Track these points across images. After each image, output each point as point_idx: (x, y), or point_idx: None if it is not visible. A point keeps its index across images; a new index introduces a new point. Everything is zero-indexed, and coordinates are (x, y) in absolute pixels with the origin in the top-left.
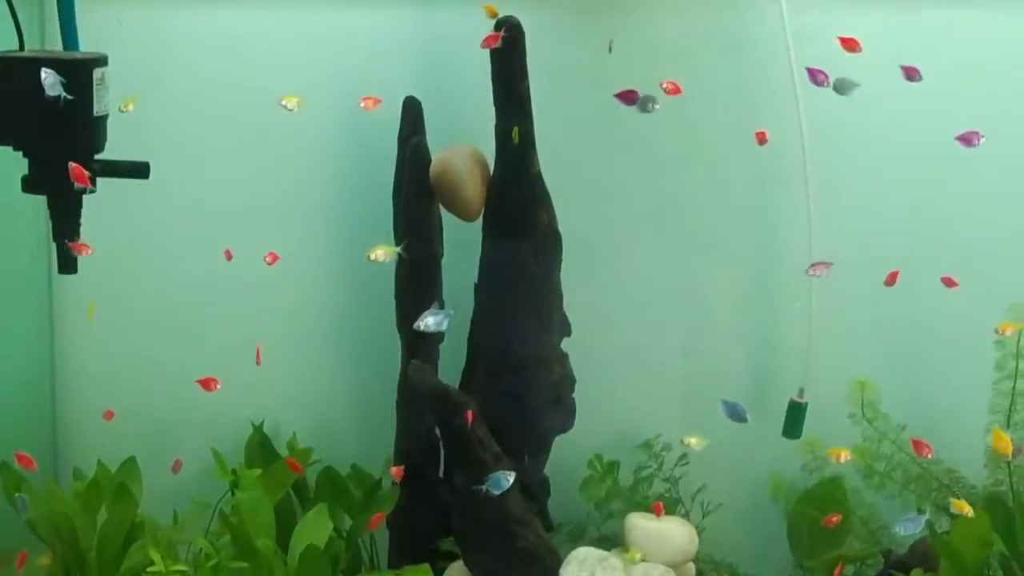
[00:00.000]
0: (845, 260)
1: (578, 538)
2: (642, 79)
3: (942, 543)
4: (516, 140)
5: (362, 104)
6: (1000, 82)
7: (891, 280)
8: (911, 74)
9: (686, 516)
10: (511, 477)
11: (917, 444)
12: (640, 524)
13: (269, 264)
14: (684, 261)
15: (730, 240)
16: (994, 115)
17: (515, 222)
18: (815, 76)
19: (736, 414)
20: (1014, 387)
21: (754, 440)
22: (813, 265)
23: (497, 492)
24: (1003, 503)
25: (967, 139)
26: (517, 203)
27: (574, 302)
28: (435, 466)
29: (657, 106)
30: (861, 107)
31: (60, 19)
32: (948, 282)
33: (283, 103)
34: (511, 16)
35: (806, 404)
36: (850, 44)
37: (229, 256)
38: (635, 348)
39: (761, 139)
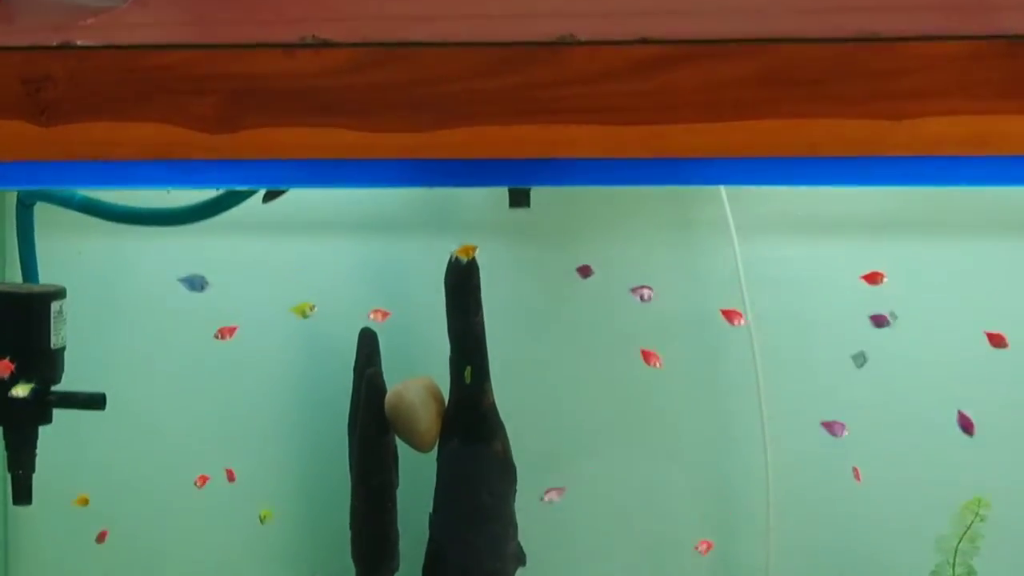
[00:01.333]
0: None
1: None
2: (603, 309)
3: None
4: (468, 380)
5: (372, 316)
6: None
7: None
8: (879, 322)
9: None
10: None
11: None
12: None
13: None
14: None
15: (687, 446)
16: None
17: (469, 455)
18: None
19: None
20: None
21: None
22: None
23: None
24: None
25: (878, 321)
26: (470, 436)
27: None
28: None
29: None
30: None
31: (20, 251)
32: None
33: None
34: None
35: None
36: (873, 278)
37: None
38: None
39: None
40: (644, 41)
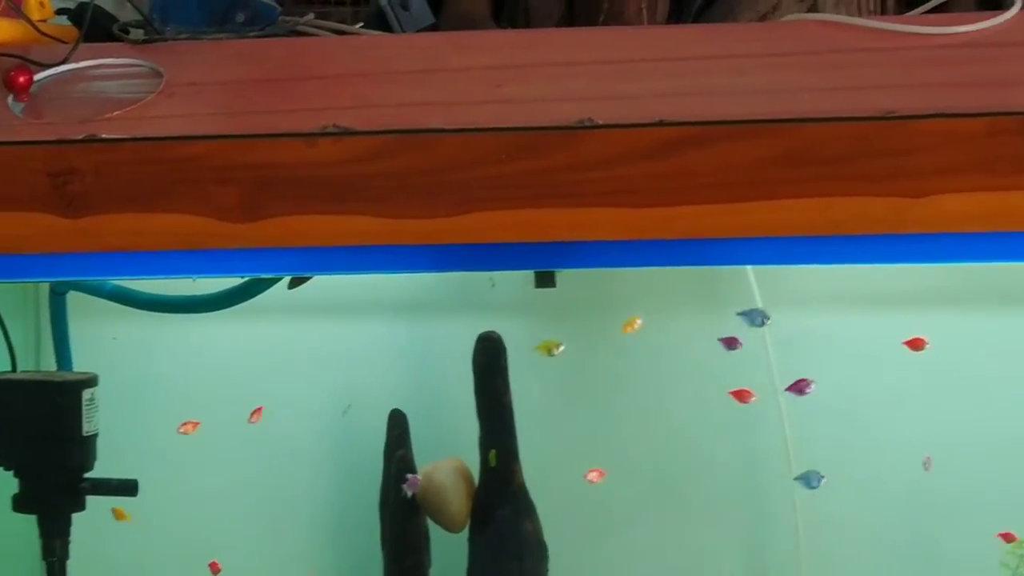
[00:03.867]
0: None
1: None
2: (631, 385)
3: None
4: (493, 463)
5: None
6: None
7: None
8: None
9: None
10: None
11: None
12: None
13: None
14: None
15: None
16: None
17: (499, 535)
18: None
19: None
20: None
21: None
22: None
23: None
24: None
25: (798, 388)
26: (501, 516)
27: None
28: None
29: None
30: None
31: (54, 338)
32: None
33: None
34: (492, 331)
35: None
36: (915, 344)
37: (216, 569)
38: None
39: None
40: (661, 124)
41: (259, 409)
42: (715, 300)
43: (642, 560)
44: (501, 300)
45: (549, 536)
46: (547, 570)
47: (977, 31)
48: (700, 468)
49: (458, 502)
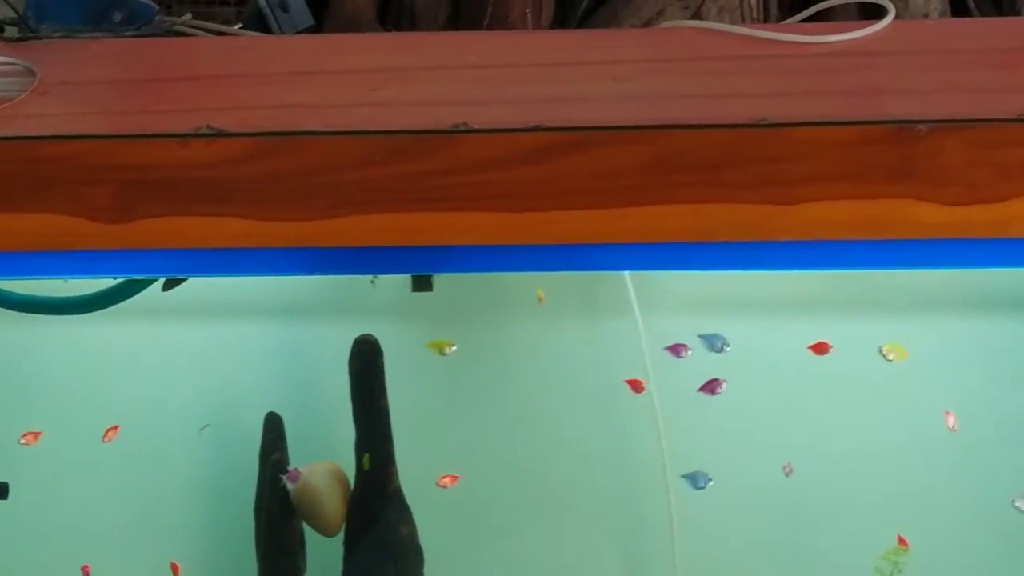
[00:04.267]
0: None
1: None
2: (507, 389)
3: None
4: (367, 467)
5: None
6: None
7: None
8: (713, 388)
9: None
10: None
11: None
12: None
13: None
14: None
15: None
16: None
17: (375, 539)
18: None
19: None
20: None
21: None
22: None
23: None
24: None
25: (710, 388)
26: (377, 520)
27: None
28: None
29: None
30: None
31: None
32: None
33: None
34: (368, 335)
35: None
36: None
37: (86, 573)
38: None
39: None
40: (538, 128)
41: (115, 428)
42: (593, 305)
43: (519, 563)
44: (379, 303)
45: (428, 540)
46: (423, 574)
47: (852, 40)
48: (578, 471)
49: (333, 506)
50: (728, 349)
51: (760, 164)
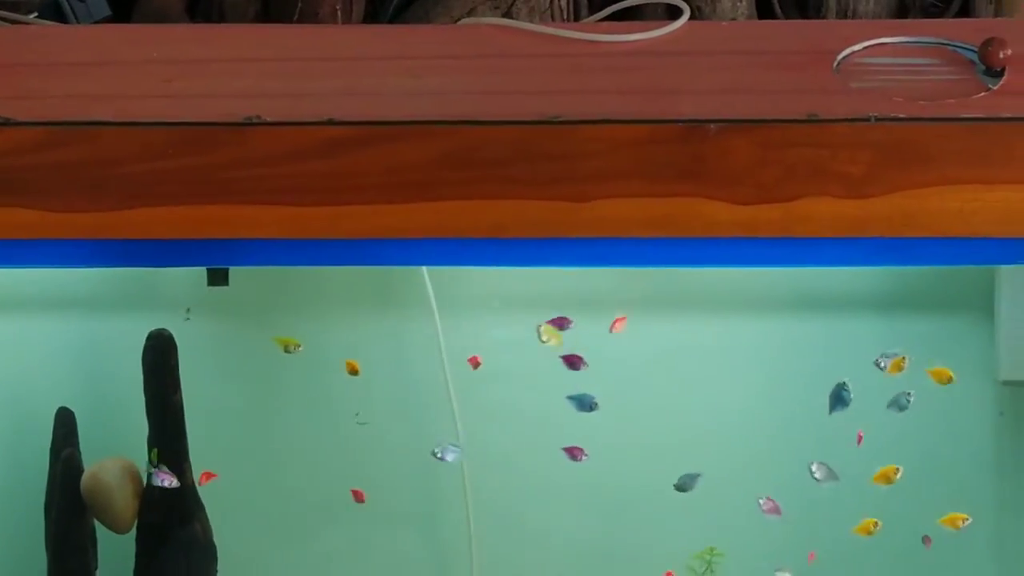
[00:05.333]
0: None
1: None
2: (306, 385)
3: None
4: (155, 462)
5: None
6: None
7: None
8: (574, 363)
9: None
10: None
11: None
12: None
13: None
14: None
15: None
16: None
17: (167, 536)
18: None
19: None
20: None
21: None
22: None
23: None
24: None
25: (571, 362)
26: (169, 517)
27: None
28: None
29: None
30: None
31: None
32: None
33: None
34: (163, 329)
35: None
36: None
37: None
38: None
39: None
40: (330, 123)
41: None
42: (390, 300)
43: (319, 560)
44: (173, 297)
45: (228, 538)
46: (216, 571)
47: (648, 40)
48: (379, 467)
49: (124, 502)
50: (597, 407)
51: (552, 161)
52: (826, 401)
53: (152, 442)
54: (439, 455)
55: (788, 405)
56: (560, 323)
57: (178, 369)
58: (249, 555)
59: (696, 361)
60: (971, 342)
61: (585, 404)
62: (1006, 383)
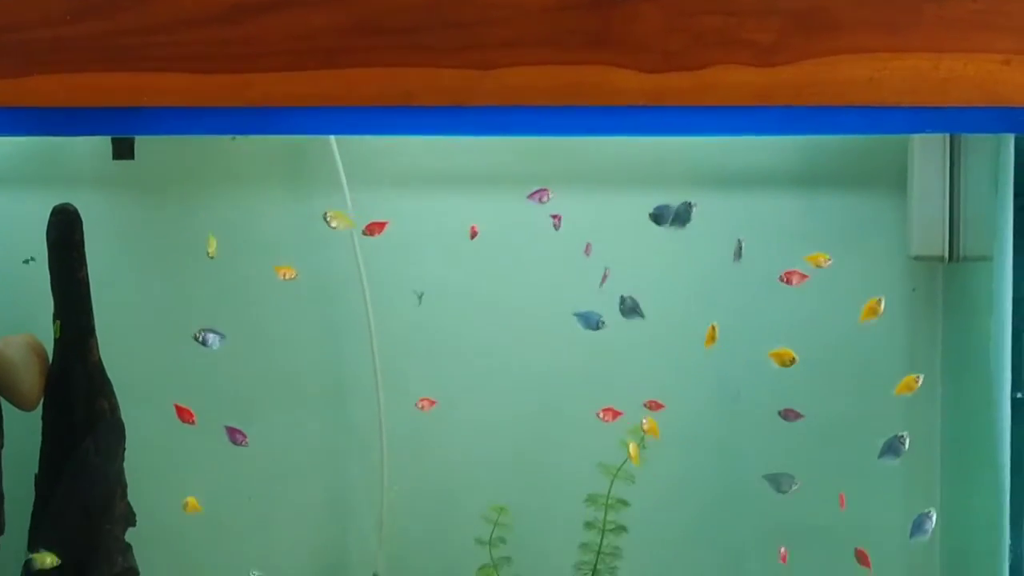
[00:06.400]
0: None
1: None
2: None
3: None
4: (57, 335)
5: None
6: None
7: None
8: (540, 197)
9: None
10: None
11: None
12: None
13: None
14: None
15: (302, 401)
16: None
17: (75, 412)
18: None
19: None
20: None
21: None
22: None
23: None
24: None
25: (537, 197)
26: (76, 393)
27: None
28: None
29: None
30: None
31: None
32: None
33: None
34: (67, 204)
35: None
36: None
37: None
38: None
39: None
40: None
41: None
42: (298, 174)
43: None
44: (78, 172)
45: (134, 412)
46: (124, 450)
47: None
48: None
49: (30, 379)
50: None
51: (458, 28)
52: (747, 275)
53: (57, 317)
54: (199, 339)
55: (711, 275)
56: (540, 196)
57: (83, 244)
58: (155, 435)
59: (613, 235)
60: (885, 218)
61: (592, 322)
62: (918, 258)
